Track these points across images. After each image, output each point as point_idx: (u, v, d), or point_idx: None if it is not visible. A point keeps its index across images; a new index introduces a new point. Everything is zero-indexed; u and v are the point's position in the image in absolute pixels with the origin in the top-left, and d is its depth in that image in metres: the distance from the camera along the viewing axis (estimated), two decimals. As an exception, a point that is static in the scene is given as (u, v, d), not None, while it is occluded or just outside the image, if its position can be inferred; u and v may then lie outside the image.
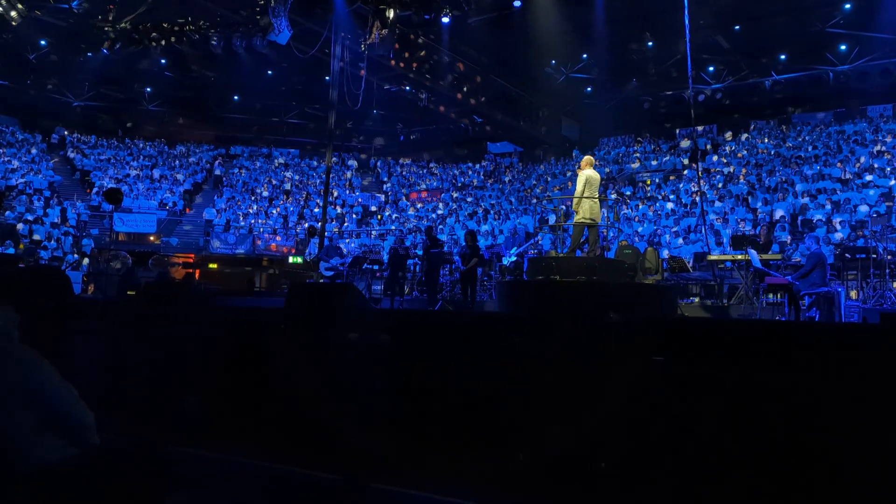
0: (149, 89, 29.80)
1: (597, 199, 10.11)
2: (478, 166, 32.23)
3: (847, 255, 12.10)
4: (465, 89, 24.99)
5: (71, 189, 26.58)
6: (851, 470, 2.87)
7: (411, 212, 28.31)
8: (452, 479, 3.43)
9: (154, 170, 29.01)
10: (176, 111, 31.09)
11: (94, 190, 25.87)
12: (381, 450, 3.59)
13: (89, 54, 23.32)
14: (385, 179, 32.40)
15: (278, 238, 23.96)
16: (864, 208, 16.42)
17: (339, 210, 27.62)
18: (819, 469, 2.92)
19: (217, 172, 29.75)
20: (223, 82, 28.15)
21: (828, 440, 2.94)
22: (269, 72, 26.74)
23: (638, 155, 27.51)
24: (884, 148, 20.46)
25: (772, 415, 3.08)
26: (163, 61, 26.12)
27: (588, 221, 10.05)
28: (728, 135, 26.87)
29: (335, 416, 3.81)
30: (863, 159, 20.00)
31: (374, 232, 25.70)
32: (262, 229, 24.90)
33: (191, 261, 14.56)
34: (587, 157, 10.60)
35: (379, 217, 28.19)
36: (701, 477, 3.08)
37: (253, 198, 28.27)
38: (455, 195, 28.81)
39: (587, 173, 10.11)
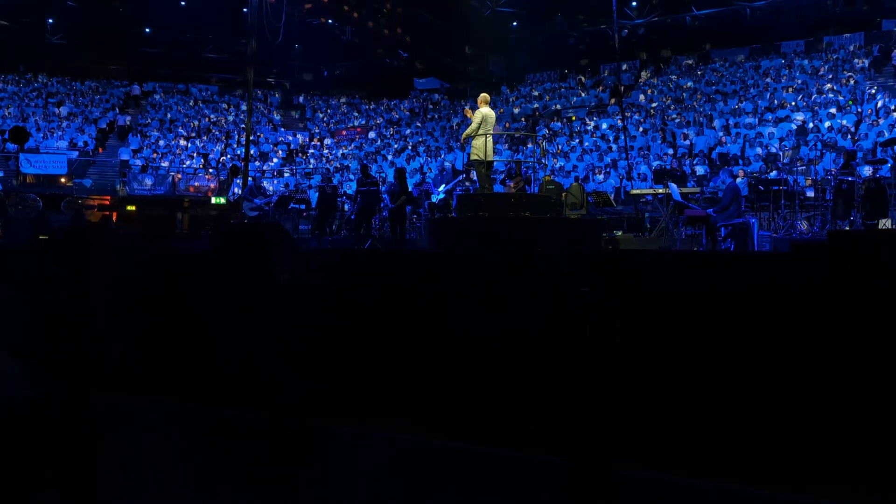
0: (50, 20, 27.78)
1: (490, 138, 10.17)
2: (405, 102, 31.75)
3: (760, 187, 12.61)
4: (389, 23, 24.37)
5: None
6: (763, 383, 3.06)
7: (338, 150, 27.80)
8: (385, 418, 3.46)
9: (61, 108, 27.36)
10: (82, 44, 29.08)
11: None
12: (316, 391, 3.60)
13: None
14: (309, 116, 31.58)
15: (200, 179, 23.14)
16: (776, 142, 17.07)
17: (261, 149, 26.87)
18: (732, 385, 3.10)
19: (121, 123, 27.31)
20: (132, 13, 26.50)
21: (740, 361, 3.12)
22: (182, 2, 25.34)
23: (563, 91, 27.66)
24: (796, 84, 21.22)
25: (690, 336, 3.24)
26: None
27: (481, 158, 10.12)
28: (650, 70, 27.28)
29: (267, 359, 3.78)
30: (776, 94, 20.70)
31: (298, 171, 25.17)
32: (180, 170, 23.98)
33: (107, 203, 13.94)
34: (483, 95, 10.57)
35: (304, 155, 27.57)
36: (626, 396, 3.23)
37: (170, 136, 27.11)
38: (382, 133, 28.41)
39: (483, 111, 10.11)
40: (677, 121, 20.83)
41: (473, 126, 10.08)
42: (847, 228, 10.38)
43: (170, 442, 3.40)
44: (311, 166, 25.54)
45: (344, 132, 29.52)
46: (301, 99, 32.71)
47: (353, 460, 3.24)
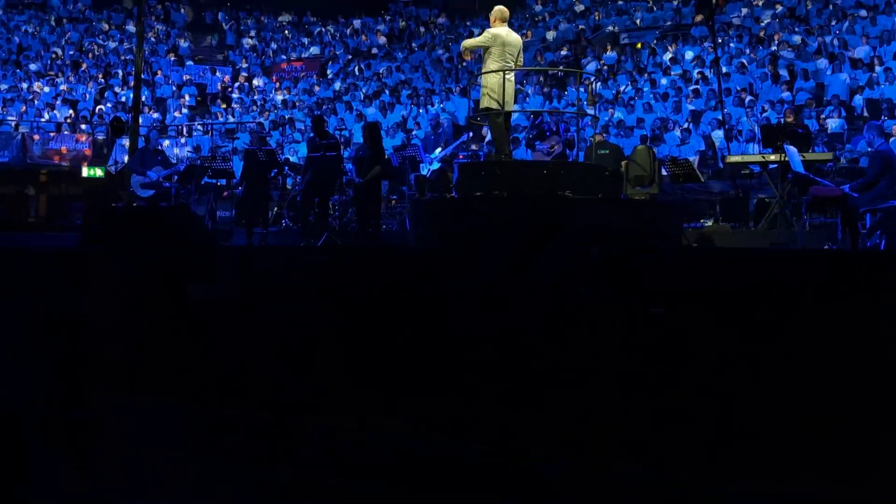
0: None
1: (511, 76, 10.14)
2: (379, 23, 31.81)
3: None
4: None
5: None
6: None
7: (276, 95, 27.84)
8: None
9: None
10: None
11: None
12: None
13: None
14: (232, 43, 31.65)
15: (65, 140, 23.10)
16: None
17: (159, 93, 26.93)
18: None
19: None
20: None
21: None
22: None
23: (621, 4, 27.71)
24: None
25: (820, 385, 3.24)
26: None
27: (497, 106, 9.99)
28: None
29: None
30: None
31: (216, 128, 25.19)
32: (35, 125, 23.95)
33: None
34: (499, 8, 10.31)
35: (224, 103, 27.62)
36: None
37: (19, 74, 27.13)
38: (345, 69, 28.48)
39: (495, 31, 10.03)
40: (797, 50, 20.81)
41: (480, 40, 10.08)
42: None
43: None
44: (236, 120, 25.57)
45: (284, 66, 29.56)
46: (220, 17, 32.76)
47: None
